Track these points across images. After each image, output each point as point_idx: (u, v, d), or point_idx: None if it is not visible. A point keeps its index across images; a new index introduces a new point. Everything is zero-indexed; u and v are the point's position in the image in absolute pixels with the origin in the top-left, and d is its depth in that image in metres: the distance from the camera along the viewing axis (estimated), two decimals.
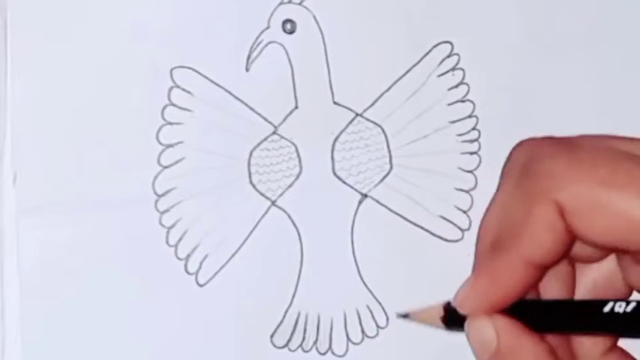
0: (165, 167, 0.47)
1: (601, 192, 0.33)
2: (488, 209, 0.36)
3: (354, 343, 0.48)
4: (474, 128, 0.49)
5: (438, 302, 0.37)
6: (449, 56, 0.49)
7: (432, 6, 0.49)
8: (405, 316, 0.39)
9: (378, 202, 0.48)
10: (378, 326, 0.48)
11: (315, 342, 0.48)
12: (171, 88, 0.47)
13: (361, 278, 0.48)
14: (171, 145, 0.47)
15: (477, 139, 0.49)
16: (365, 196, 0.48)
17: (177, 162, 0.47)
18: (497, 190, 0.36)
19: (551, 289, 0.37)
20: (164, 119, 0.47)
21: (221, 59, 0.48)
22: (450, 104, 0.49)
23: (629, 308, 0.34)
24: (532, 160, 0.35)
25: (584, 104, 0.49)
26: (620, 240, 0.33)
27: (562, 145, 0.35)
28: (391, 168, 0.49)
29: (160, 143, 0.47)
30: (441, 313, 0.37)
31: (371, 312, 0.48)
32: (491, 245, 0.35)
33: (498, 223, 0.35)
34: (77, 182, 0.47)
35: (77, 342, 0.46)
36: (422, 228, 0.48)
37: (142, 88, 0.47)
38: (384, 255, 0.48)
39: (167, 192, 0.47)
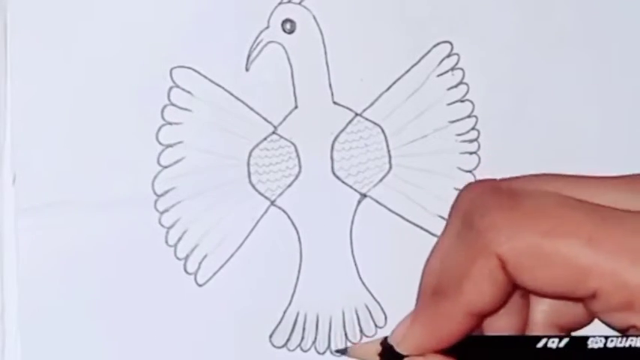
0: (165, 167, 0.47)
1: (545, 242, 0.33)
2: (432, 252, 0.37)
3: (352, 343, 0.47)
4: (473, 128, 0.49)
5: (377, 338, 0.38)
6: (448, 56, 0.49)
7: (431, 6, 0.49)
8: (343, 351, 0.40)
9: (377, 201, 0.49)
10: (376, 326, 0.48)
11: (314, 341, 0.48)
12: (170, 88, 0.48)
13: (360, 278, 0.48)
14: (170, 145, 0.47)
15: (476, 139, 0.49)
16: (364, 195, 0.49)
17: (176, 162, 0.47)
18: (443, 231, 0.37)
19: (499, 320, 0.37)
20: (164, 119, 0.48)
21: (220, 59, 0.48)
22: (449, 104, 0.49)
23: (562, 344, 0.35)
24: (475, 211, 0.35)
25: (582, 103, 0.50)
26: (565, 289, 0.34)
27: (505, 196, 0.35)
28: (390, 168, 0.49)
29: (160, 143, 0.47)
30: (379, 349, 0.37)
31: (369, 312, 0.48)
32: (433, 290, 0.36)
33: (440, 270, 0.36)
34: (77, 182, 0.47)
35: (76, 341, 0.46)
36: (421, 228, 0.49)
37: (142, 88, 0.47)
38: (383, 255, 0.48)
39: (166, 192, 0.47)
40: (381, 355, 0.37)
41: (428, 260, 0.37)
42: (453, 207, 0.37)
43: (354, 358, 0.39)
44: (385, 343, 0.37)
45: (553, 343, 0.35)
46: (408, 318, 0.37)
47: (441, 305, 0.35)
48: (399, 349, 0.36)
